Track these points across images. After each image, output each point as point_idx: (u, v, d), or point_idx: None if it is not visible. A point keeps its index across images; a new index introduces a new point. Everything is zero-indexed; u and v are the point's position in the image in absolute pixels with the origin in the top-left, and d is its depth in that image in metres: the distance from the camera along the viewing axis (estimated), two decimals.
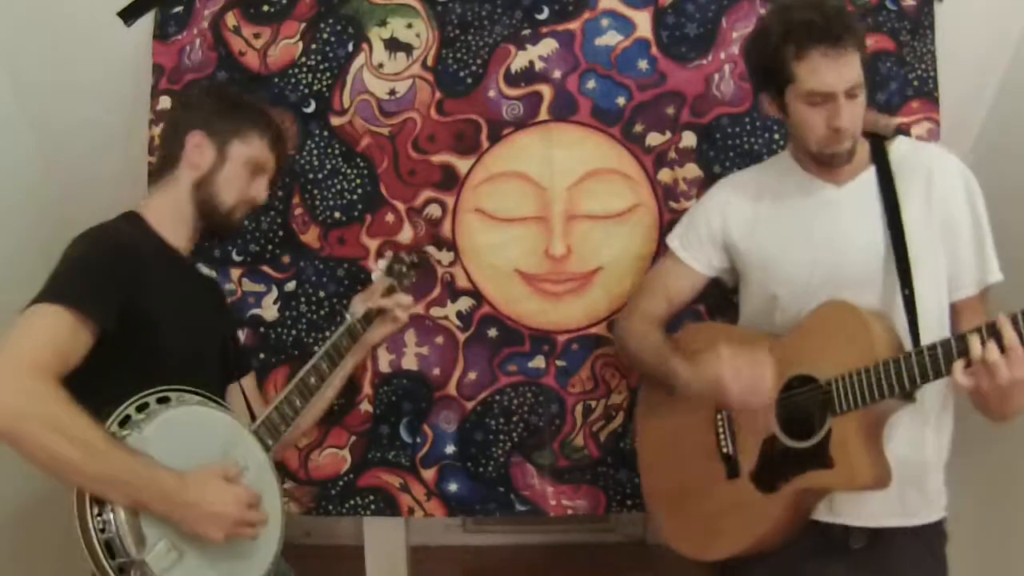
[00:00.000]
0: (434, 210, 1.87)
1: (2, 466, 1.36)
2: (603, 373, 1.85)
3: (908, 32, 1.79)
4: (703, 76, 1.83)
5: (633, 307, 1.69)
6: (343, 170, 1.88)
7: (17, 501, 1.94)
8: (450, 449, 1.87)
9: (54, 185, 2.05)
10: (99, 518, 1.12)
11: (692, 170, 1.83)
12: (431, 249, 1.87)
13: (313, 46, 1.88)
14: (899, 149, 1.50)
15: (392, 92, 1.86)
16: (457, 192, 1.86)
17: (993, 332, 1.21)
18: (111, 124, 1.97)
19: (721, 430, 1.52)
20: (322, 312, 1.88)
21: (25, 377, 1.11)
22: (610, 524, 2.77)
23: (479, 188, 1.86)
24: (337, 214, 1.88)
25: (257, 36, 1.88)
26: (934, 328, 1.42)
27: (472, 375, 1.86)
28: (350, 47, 1.87)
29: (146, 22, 1.90)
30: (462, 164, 1.86)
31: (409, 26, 1.86)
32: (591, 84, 1.84)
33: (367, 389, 1.87)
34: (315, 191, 1.88)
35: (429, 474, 1.87)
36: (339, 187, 1.88)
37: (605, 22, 1.84)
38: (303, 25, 1.88)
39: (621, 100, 1.83)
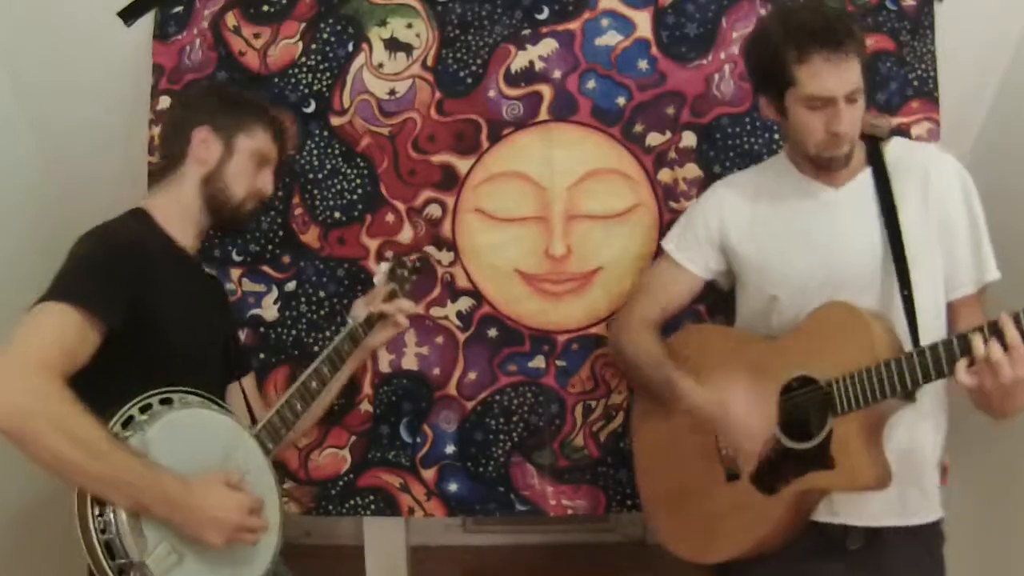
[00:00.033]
0: (434, 210, 1.87)
1: (4, 467, 1.36)
2: (603, 373, 1.84)
3: (908, 32, 1.79)
4: (703, 76, 1.82)
5: (628, 312, 1.68)
6: (343, 170, 1.88)
7: (19, 502, 1.93)
8: (450, 449, 1.87)
9: (54, 185, 2.05)
10: (100, 519, 1.12)
11: (692, 170, 1.83)
12: (431, 249, 1.86)
13: (313, 46, 1.88)
14: (895, 150, 1.50)
15: (392, 92, 1.86)
16: (457, 192, 1.86)
17: (995, 331, 1.21)
18: (111, 124, 1.97)
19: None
20: (322, 312, 1.88)
21: (32, 375, 1.10)
22: (610, 524, 2.77)
23: (479, 188, 1.86)
24: (337, 214, 1.88)
25: (257, 36, 1.88)
26: (932, 328, 1.42)
27: (472, 375, 1.86)
28: (350, 47, 1.87)
29: (146, 22, 1.90)
30: (462, 164, 1.86)
31: (409, 26, 1.86)
32: (591, 84, 1.84)
33: (367, 389, 1.87)
34: (315, 191, 1.88)
35: (429, 474, 1.87)
36: (339, 187, 1.88)
37: (605, 22, 1.84)
38: (303, 25, 1.88)
39: (621, 100, 1.83)
